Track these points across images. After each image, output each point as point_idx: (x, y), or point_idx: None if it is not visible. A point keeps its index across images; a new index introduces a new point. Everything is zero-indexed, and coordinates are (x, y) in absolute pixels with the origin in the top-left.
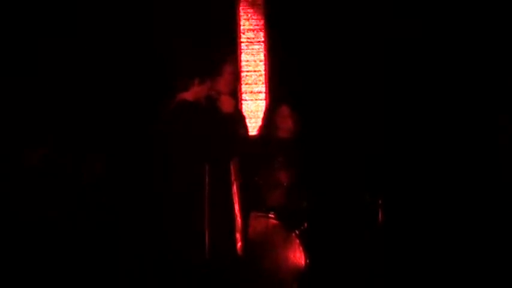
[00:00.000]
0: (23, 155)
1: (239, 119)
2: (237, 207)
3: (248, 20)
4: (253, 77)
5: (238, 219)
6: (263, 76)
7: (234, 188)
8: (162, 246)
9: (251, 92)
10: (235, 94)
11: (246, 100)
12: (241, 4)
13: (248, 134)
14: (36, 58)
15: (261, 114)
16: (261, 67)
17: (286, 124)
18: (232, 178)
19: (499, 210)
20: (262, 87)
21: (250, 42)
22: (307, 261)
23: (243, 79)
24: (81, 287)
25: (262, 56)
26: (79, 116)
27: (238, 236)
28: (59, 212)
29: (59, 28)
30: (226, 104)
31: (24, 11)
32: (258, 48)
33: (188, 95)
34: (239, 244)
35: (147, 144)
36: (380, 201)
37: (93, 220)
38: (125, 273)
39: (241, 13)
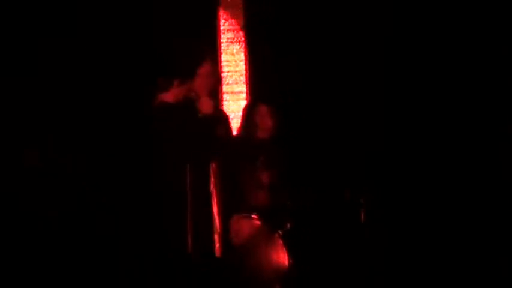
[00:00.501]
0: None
1: (221, 119)
2: (215, 208)
3: (227, 20)
4: (234, 77)
5: (217, 221)
6: (244, 76)
7: (213, 189)
8: (148, 243)
9: (232, 92)
10: (216, 95)
11: (227, 100)
12: (221, 4)
13: (231, 135)
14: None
15: None
16: (242, 67)
17: (266, 124)
18: (212, 179)
19: (495, 210)
20: (243, 87)
21: (231, 42)
22: (291, 261)
23: (223, 79)
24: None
25: (242, 56)
26: (71, 116)
27: (216, 237)
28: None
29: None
30: (205, 105)
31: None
32: (238, 48)
33: (168, 96)
34: (217, 245)
35: (136, 143)
36: (362, 200)
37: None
38: (119, 269)
39: (221, 13)
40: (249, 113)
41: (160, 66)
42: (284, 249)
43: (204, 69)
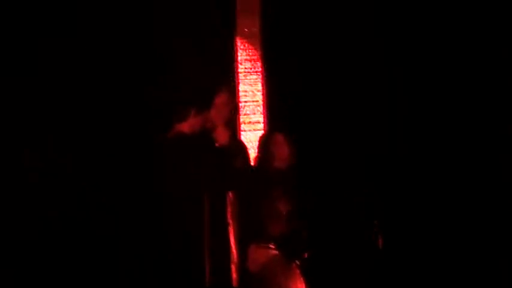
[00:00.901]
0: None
1: (239, 150)
2: (232, 238)
3: (245, 50)
4: (251, 107)
5: (234, 251)
6: (261, 106)
7: (230, 219)
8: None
9: (249, 122)
10: (233, 125)
11: (244, 131)
12: (238, 34)
13: (249, 165)
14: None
15: None
16: (259, 97)
17: (283, 153)
18: (229, 210)
19: (499, 212)
20: (260, 117)
21: (248, 72)
22: None
23: (241, 109)
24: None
25: (259, 86)
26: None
27: (233, 267)
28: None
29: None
30: (221, 136)
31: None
32: (256, 78)
33: (184, 126)
34: (234, 275)
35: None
36: (376, 223)
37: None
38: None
39: (238, 43)
40: (265, 143)
41: (176, 95)
42: (301, 278)
43: (221, 99)
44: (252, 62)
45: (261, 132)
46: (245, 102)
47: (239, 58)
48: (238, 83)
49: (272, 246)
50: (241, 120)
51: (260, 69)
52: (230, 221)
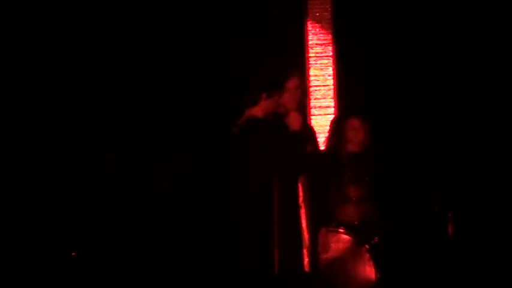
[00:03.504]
0: (96, 160)
1: (308, 134)
2: (304, 222)
3: (316, 34)
4: (322, 91)
5: (306, 235)
6: (332, 91)
7: (302, 204)
8: (231, 259)
9: (320, 106)
10: (304, 109)
11: (315, 115)
12: (309, 19)
13: (318, 150)
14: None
15: None
16: (330, 81)
17: (358, 137)
18: (301, 194)
19: None
20: (331, 102)
21: (319, 56)
22: (378, 275)
23: (311, 94)
24: None
25: (330, 71)
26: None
27: (305, 251)
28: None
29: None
30: (294, 120)
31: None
32: (327, 63)
33: (256, 111)
34: (306, 260)
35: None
36: (450, 214)
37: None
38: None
39: (309, 28)
40: (338, 127)
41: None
42: (371, 263)
43: (292, 83)
44: (323, 47)
45: (331, 118)
46: (316, 86)
47: (310, 42)
48: (309, 67)
49: (342, 231)
50: (311, 105)
51: (331, 53)
52: (302, 205)
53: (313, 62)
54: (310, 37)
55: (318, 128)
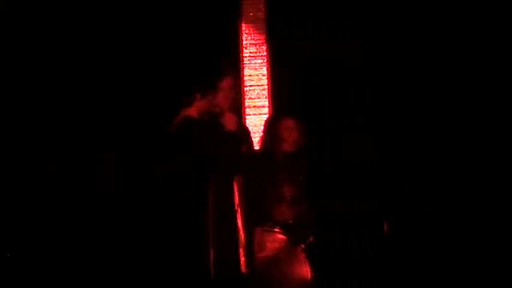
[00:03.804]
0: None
1: (244, 134)
2: (240, 222)
3: (250, 34)
4: (256, 91)
5: (242, 235)
6: (266, 90)
7: (237, 203)
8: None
9: (254, 106)
10: (238, 109)
11: (249, 115)
12: (243, 19)
13: (253, 150)
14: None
15: None
16: (264, 81)
17: (292, 137)
18: (236, 193)
19: None
20: (265, 102)
21: (253, 56)
22: (314, 275)
23: (246, 94)
24: None
25: (265, 70)
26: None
27: (241, 251)
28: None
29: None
30: (229, 120)
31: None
32: (261, 63)
33: (191, 111)
34: (242, 260)
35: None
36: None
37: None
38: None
39: (243, 28)
40: (272, 126)
41: (182, 79)
42: (307, 262)
43: (226, 83)
44: (257, 47)
45: (266, 117)
46: (250, 86)
47: (244, 42)
48: (244, 67)
49: (278, 230)
50: (246, 104)
51: (265, 53)
52: (237, 205)
53: (248, 62)
54: (244, 37)
55: (252, 127)
